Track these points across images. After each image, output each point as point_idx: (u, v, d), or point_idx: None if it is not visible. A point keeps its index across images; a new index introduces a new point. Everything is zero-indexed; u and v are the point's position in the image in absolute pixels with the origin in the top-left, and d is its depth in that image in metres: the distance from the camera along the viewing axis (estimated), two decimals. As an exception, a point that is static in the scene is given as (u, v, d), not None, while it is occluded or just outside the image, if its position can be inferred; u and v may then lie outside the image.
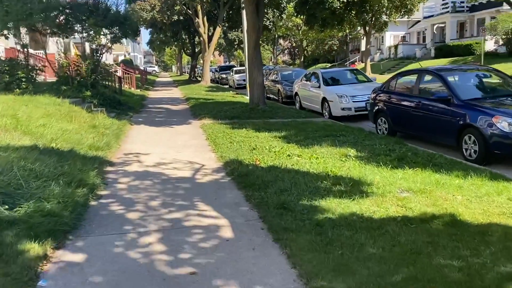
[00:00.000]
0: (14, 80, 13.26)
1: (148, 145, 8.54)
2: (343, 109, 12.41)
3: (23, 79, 13.23)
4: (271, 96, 20.22)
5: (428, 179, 5.34)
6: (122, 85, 23.85)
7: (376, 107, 9.82)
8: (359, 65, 51.76)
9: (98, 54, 14.67)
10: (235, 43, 55.39)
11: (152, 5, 24.27)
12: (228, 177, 5.93)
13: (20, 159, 5.04)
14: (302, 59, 57.61)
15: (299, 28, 55.31)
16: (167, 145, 8.54)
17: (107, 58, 58.80)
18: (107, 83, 17.77)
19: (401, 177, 5.49)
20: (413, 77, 9.14)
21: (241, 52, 77.22)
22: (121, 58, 67.36)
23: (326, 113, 13.01)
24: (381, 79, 17.31)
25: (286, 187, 5.07)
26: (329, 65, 60.85)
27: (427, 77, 8.80)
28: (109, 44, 15.01)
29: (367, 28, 38.97)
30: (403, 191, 4.94)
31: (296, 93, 15.95)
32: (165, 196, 5.10)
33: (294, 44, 61.27)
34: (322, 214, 4.21)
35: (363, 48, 62.25)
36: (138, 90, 24.88)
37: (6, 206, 3.85)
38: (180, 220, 4.32)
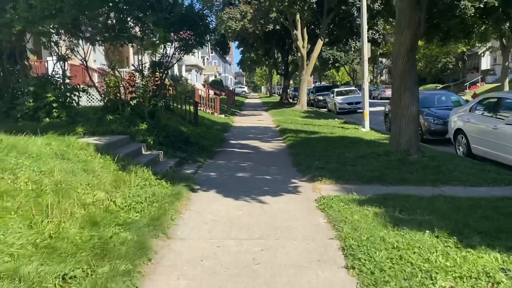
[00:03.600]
0: (43, 106, 9.26)
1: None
2: None
3: (54, 104, 9.17)
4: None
5: None
6: (204, 110, 19.63)
7: None
8: (481, 88, 43.05)
9: (162, 69, 10.19)
10: (330, 62, 50.05)
11: (243, 13, 19.93)
12: None
13: None
14: (410, 79, 49.98)
15: (407, 44, 48.10)
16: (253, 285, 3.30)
17: (197, 79, 57.06)
18: (175, 104, 13.38)
19: None
20: None
21: (334, 71, 71.48)
22: (211, 78, 65.60)
23: (548, 176, 6.90)
24: None
25: None
26: (440, 86, 52.40)
27: None
28: (176, 55, 10.43)
29: (504, 41, 30.98)
30: None
31: (459, 130, 9.93)
32: None
33: (400, 62, 53.72)
34: None
35: (483, 66, 52.86)
36: (222, 115, 20.49)
37: None
38: None
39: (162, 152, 8.68)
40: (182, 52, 10.41)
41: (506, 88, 30.69)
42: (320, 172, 7.28)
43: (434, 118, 12.30)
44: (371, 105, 25.67)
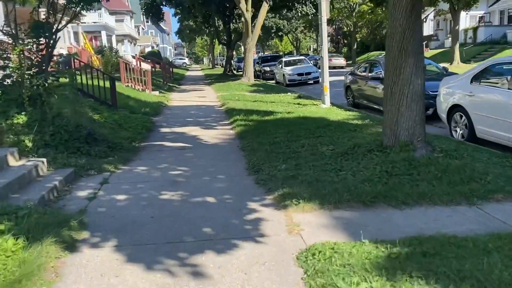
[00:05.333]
0: None
1: None
2: None
3: None
4: (362, 102, 12.07)
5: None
6: (132, 87, 16.27)
7: None
8: (427, 53, 42.42)
9: (49, 33, 6.89)
10: (273, 30, 47.30)
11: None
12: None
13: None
14: (355, 46, 48.52)
15: (352, 9, 46.27)
16: None
17: (133, 51, 51.78)
18: (90, 82, 10.10)
19: None
20: None
21: (278, 40, 68.65)
22: (148, 49, 60.31)
23: None
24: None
25: None
26: (384, 53, 51.54)
27: None
28: (69, 14, 7.09)
29: (454, 3, 29.65)
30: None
31: (456, 107, 7.71)
32: None
33: (345, 29, 52.16)
34: None
35: (425, 32, 52.44)
36: (156, 92, 17.22)
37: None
38: None
39: (45, 160, 5.61)
40: (77, 7, 7.16)
41: (457, 53, 29.70)
42: (292, 187, 4.65)
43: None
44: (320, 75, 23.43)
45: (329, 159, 5.63)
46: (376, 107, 11.43)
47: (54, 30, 6.98)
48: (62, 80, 7.27)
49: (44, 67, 6.87)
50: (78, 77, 10.46)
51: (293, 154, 6.16)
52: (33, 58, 6.98)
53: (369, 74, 11.96)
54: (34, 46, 6.91)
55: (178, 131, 9.28)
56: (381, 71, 11.31)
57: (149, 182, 5.40)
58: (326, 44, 12.51)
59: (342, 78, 20.20)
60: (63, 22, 7.20)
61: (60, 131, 6.36)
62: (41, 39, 6.93)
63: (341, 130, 7.89)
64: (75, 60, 10.61)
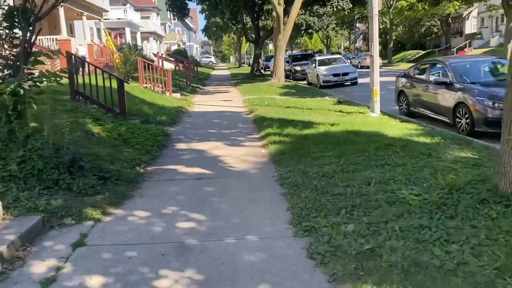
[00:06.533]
0: None
1: None
2: None
3: None
4: (419, 110, 9.94)
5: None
6: (151, 89, 14.63)
7: None
8: (469, 52, 39.34)
9: (27, 22, 5.19)
10: (302, 28, 45.11)
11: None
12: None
13: None
14: (391, 45, 45.71)
15: (389, 5, 43.49)
16: None
17: (159, 49, 50.63)
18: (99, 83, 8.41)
19: None
20: None
21: (307, 38, 66.19)
22: (174, 48, 59.12)
23: None
24: None
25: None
26: (422, 52, 48.49)
27: None
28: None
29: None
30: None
31: None
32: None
33: (380, 26, 49.29)
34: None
35: (467, 30, 49.07)
36: (178, 95, 15.51)
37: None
38: None
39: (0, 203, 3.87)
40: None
41: (509, 52, 26.82)
42: (377, 280, 2.71)
43: (491, 99, 7.92)
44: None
45: (420, 215, 3.64)
46: (439, 117, 9.33)
47: (32, 19, 5.24)
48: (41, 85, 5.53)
49: (18, 68, 5.14)
50: (80, 79, 8.80)
51: (357, 198, 4.20)
52: (8, 55, 5.28)
53: (431, 78, 9.83)
54: (7, 39, 5.20)
55: (197, 147, 7.44)
56: (447, 74, 9.21)
57: (145, 245, 3.55)
58: (377, 40, 10.46)
59: (382, 79, 18.09)
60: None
61: (33, 157, 4.62)
62: (16, 30, 5.22)
63: (410, 154, 5.87)
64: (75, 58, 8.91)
